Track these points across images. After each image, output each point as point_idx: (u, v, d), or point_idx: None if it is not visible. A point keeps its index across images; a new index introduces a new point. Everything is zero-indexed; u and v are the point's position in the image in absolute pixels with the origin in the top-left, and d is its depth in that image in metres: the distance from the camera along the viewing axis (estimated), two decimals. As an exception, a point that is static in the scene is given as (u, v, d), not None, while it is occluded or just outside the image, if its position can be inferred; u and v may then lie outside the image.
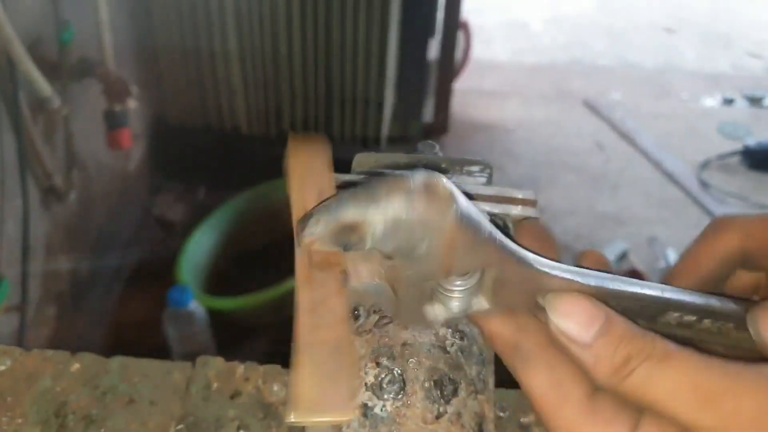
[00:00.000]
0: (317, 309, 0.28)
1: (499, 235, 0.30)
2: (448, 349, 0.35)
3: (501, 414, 0.47)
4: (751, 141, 2.50)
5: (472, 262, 0.31)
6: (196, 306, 1.55)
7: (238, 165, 2.12)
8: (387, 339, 0.34)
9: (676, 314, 0.32)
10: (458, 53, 2.40)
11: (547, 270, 0.31)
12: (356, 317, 0.36)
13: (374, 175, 0.38)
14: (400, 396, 0.33)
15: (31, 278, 1.36)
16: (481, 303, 0.33)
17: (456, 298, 0.32)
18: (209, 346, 1.60)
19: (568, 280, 0.31)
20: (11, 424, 0.45)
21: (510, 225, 0.40)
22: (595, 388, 0.28)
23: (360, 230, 0.28)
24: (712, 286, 0.36)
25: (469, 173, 0.43)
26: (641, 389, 0.26)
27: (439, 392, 0.33)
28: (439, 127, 2.44)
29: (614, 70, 3.12)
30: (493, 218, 0.40)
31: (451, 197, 0.28)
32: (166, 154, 2.13)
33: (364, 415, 0.33)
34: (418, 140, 0.44)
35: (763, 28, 3.48)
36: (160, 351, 1.57)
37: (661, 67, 3.16)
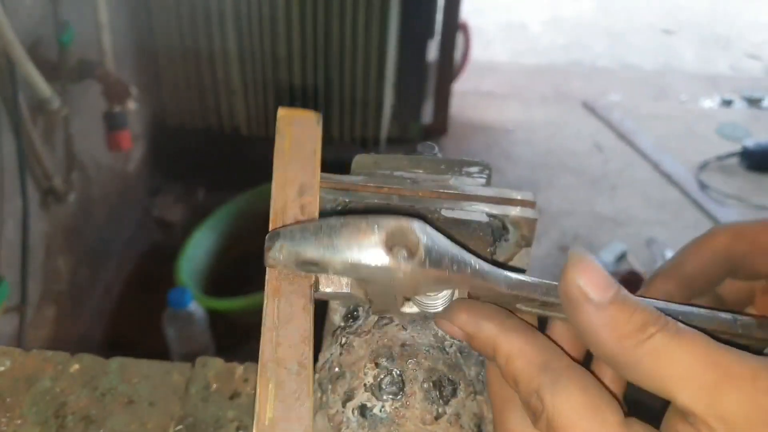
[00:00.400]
0: (282, 326, 0.29)
1: (471, 267, 0.30)
2: (447, 349, 0.35)
3: (500, 415, 0.48)
4: (750, 142, 2.50)
5: (440, 288, 0.31)
6: (195, 307, 1.55)
7: (237, 166, 2.12)
8: (386, 340, 0.34)
9: None
10: (457, 54, 2.40)
11: (521, 293, 0.31)
12: (355, 318, 0.36)
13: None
14: (399, 397, 0.33)
15: (30, 279, 1.36)
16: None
17: (433, 306, 0.33)
18: (208, 346, 1.60)
19: (543, 300, 0.31)
20: (10, 424, 0.45)
21: (509, 226, 0.40)
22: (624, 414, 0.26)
23: (320, 265, 0.29)
24: (699, 291, 0.36)
25: (468, 174, 0.43)
26: (656, 361, 0.25)
27: (438, 393, 0.33)
28: (439, 128, 2.45)
29: (613, 71, 3.12)
30: (492, 219, 0.40)
31: (413, 247, 0.27)
32: (165, 156, 2.13)
33: (363, 415, 0.33)
34: (417, 141, 0.44)
35: (761, 30, 3.49)
36: (159, 352, 1.57)
37: (660, 68, 3.16)
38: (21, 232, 1.32)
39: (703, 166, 2.43)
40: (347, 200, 0.39)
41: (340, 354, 0.35)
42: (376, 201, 0.39)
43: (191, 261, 1.73)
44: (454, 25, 2.26)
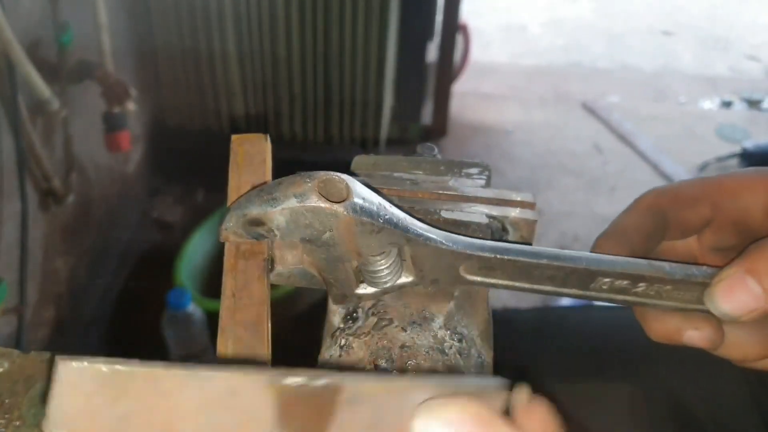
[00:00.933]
0: (238, 294, 0.32)
1: (403, 221, 0.32)
2: (446, 351, 0.35)
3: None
4: (749, 143, 2.50)
5: (380, 244, 0.33)
6: (194, 308, 1.55)
7: (236, 167, 2.11)
8: (385, 341, 0.34)
9: (606, 280, 0.33)
10: (457, 56, 2.40)
11: (456, 248, 0.33)
12: (354, 319, 0.36)
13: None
14: (398, 398, 0.33)
15: (29, 280, 1.36)
16: (407, 278, 0.35)
17: (380, 275, 0.34)
18: (207, 348, 1.60)
19: (480, 256, 0.33)
20: (9, 426, 0.45)
21: (509, 227, 0.40)
22: None
23: (266, 223, 0.32)
24: (641, 250, 0.38)
25: (468, 175, 0.43)
26: None
27: (437, 394, 0.33)
28: (438, 130, 2.44)
29: (612, 72, 3.12)
30: (492, 220, 0.40)
31: (343, 192, 0.31)
32: (164, 157, 2.13)
33: (363, 417, 0.33)
34: (417, 142, 0.44)
35: (760, 31, 3.49)
36: (158, 353, 1.57)
37: (659, 69, 3.16)
38: (20, 233, 1.32)
39: (703, 168, 2.43)
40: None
41: (340, 355, 0.35)
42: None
43: (190, 262, 1.73)
44: (453, 27, 2.26)
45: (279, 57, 2.00)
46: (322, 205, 0.30)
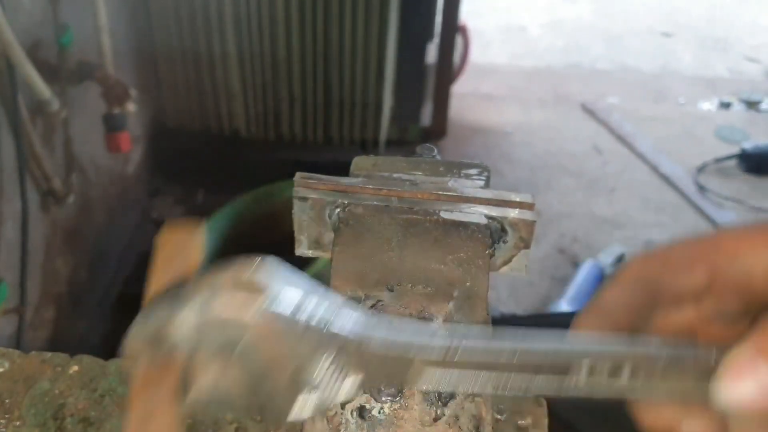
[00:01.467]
0: (147, 420, 0.28)
1: (331, 321, 0.27)
2: (445, 351, 0.35)
3: (498, 416, 0.48)
4: (748, 145, 2.50)
5: (308, 348, 0.28)
6: (194, 309, 1.55)
7: (236, 168, 2.11)
8: (385, 341, 0.35)
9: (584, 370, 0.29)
10: (456, 57, 2.40)
11: (397, 352, 0.28)
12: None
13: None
14: (397, 398, 0.33)
15: (29, 281, 1.36)
16: (353, 382, 0.29)
17: (320, 382, 0.28)
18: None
19: (427, 360, 0.28)
20: (9, 426, 0.45)
21: (508, 228, 0.40)
22: None
23: (170, 338, 0.27)
24: (629, 328, 0.33)
25: (467, 176, 0.43)
26: None
27: (436, 395, 0.33)
28: (438, 131, 2.45)
29: (612, 73, 3.12)
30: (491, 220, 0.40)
31: (255, 295, 0.26)
32: (164, 157, 2.13)
33: (362, 417, 0.33)
34: (416, 143, 0.44)
35: (760, 33, 3.50)
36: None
37: (659, 71, 3.17)
38: (20, 233, 1.32)
39: (702, 169, 2.43)
40: (346, 202, 0.39)
41: (339, 356, 0.35)
42: (375, 203, 0.39)
43: (190, 263, 1.73)
44: (453, 28, 2.26)
45: (279, 58, 2.01)
46: (226, 316, 0.26)
